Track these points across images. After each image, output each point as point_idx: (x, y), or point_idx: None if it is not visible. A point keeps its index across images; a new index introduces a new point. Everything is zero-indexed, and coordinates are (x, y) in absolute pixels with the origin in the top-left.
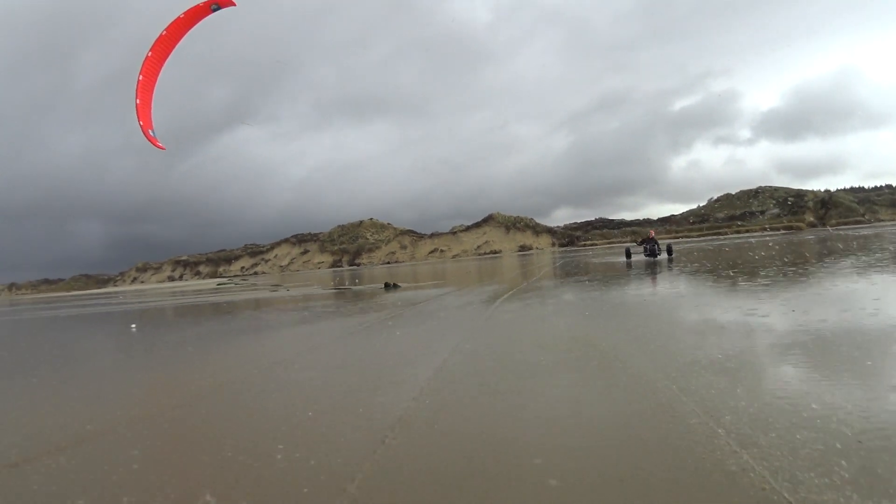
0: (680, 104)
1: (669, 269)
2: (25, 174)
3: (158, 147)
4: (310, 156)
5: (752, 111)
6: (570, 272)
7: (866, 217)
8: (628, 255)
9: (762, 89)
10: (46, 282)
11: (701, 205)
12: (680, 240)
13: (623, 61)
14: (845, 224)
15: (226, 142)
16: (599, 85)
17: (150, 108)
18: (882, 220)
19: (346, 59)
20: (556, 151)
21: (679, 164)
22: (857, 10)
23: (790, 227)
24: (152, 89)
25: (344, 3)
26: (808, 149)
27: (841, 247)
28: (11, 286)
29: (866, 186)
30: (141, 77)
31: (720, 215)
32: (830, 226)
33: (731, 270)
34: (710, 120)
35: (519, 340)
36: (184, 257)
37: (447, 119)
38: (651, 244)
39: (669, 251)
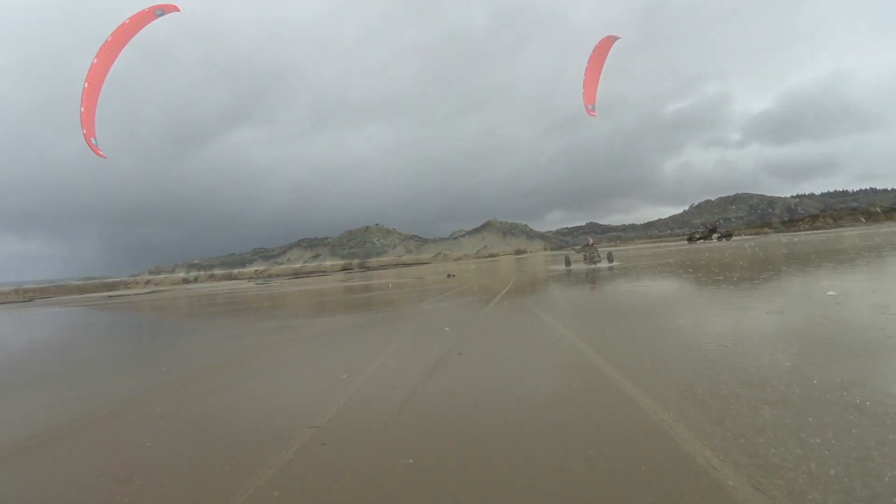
0: (672, 107)
1: (597, 273)
2: (24, 177)
3: (100, 156)
4: (308, 158)
5: (743, 114)
6: (533, 270)
7: (828, 222)
8: (567, 262)
9: (754, 92)
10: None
11: (685, 209)
12: (660, 244)
13: (616, 65)
14: (810, 230)
15: (224, 144)
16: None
17: (93, 116)
18: (842, 226)
19: (344, 63)
20: (549, 154)
21: (670, 166)
22: (850, 15)
23: (757, 234)
24: (97, 97)
25: (343, 9)
26: (799, 151)
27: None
28: (17, 290)
29: (852, 190)
30: (86, 84)
31: (697, 221)
32: (791, 232)
33: (649, 274)
34: (702, 123)
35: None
36: (196, 261)
37: (443, 122)
38: (590, 251)
39: (610, 258)
